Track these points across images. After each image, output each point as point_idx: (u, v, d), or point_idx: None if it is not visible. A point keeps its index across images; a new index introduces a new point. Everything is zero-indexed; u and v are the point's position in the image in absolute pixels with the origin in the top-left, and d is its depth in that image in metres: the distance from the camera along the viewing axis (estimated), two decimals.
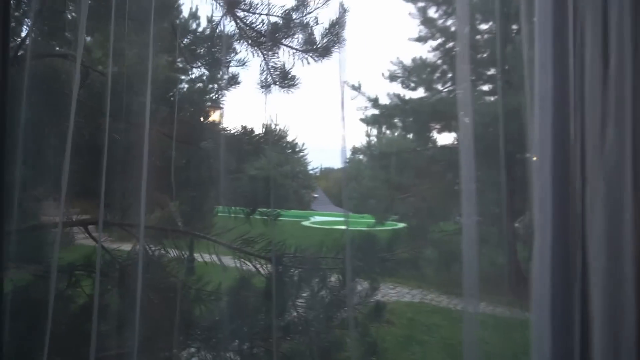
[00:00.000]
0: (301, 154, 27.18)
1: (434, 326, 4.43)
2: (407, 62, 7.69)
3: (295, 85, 1.93)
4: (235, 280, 1.61)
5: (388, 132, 8.92)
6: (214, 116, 6.53)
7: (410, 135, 8.43)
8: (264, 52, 1.95)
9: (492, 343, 4.70)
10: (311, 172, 29.20)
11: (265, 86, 1.96)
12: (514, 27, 7.05)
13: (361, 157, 9.66)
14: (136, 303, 0.97)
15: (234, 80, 2.29)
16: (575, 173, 0.90)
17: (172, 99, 2.36)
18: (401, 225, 7.87)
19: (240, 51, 2.31)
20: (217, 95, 3.05)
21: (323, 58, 2.17)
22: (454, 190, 7.49)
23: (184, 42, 2.85)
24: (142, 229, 1.00)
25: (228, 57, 2.25)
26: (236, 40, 2.30)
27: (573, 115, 0.97)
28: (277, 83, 1.94)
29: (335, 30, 2.18)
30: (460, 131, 7.04)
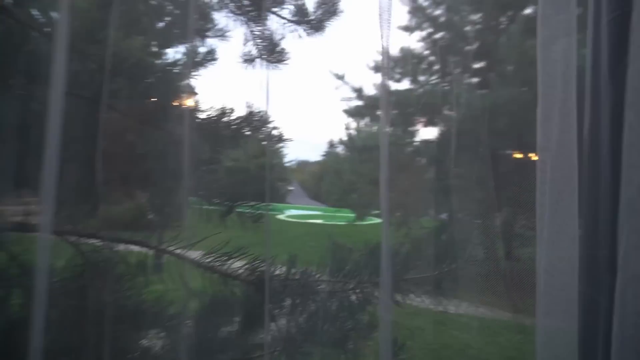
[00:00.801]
0: (280, 144, 26.79)
1: (417, 329, 4.18)
2: (394, 52, 7.41)
3: (284, 60, 1.60)
4: (205, 302, 1.29)
5: (363, 124, 8.64)
6: (189, 102, 6.10)
7: (390, 129, 8.19)
8: (248, 20, 1.61)
9: (479, 348, 4.52)
10: (287, 164, 28.89)
11: (249, 60, 1.63)
12: (503, 19, 6.85)
13: (339, 149, 9.37)
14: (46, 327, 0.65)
15: (211, 56, 1.94)
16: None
17: (142, 83, 2.04)
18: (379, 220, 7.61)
19: (219, 22, 1.97)
20: (191, 77, 2.71)
21: (316, 32, 1.85)
22: (437, 186, 7.30)
23: (160, 24, 2.64)
24: (47, 226, 0.68)
25: (205, 27, 1.90)
26: (215, 9, 1.97)
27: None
28: (264, 56, 1.61)
29: (332, 0, 1.87)
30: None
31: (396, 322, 4.08)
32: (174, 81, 2.36)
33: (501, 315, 5.70)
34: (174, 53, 2.05)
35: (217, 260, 1.20)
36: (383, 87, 4.57)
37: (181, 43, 2.34)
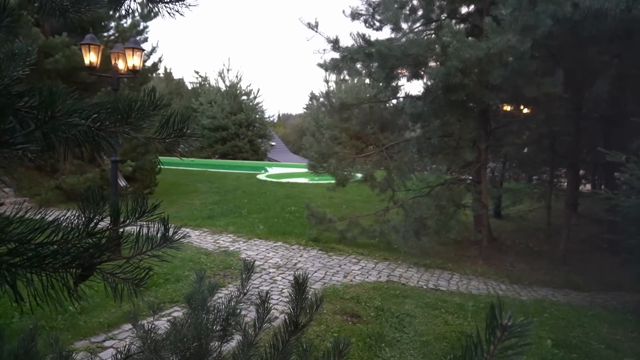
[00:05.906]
0: (256, 100, 25.86)
1: (406, 317, 3.73)
2: None
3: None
4: None
5: (348, 78, 7.91)
6: (135, 60, 5.28)
7: (368, 81, 7.47)
8: None
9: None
10: (268, 119, 27.97)
11: None
12: None
13: (321, 104, 8.72)
14: None
15: None
16: None
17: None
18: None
19: None
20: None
21: None
22: (423, 146, 6.76)
23: None
24: None
25: None
26: None
27: None
28: None
29: None
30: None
31: (382, 310, 3.50)
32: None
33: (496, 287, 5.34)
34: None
35: None
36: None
37: None
